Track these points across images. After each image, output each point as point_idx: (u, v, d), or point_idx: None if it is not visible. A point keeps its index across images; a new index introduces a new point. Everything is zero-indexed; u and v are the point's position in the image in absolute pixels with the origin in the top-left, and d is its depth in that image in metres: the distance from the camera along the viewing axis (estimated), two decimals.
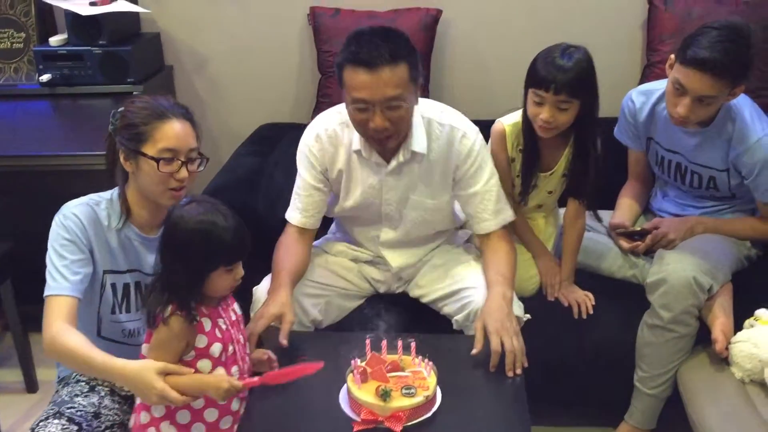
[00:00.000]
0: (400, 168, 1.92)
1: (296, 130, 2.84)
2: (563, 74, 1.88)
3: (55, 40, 2.71)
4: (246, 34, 2.91)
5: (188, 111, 1.70)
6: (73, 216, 1.66)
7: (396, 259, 2.08)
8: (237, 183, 2.37)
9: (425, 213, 2.00)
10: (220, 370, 1.56)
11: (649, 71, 2.68)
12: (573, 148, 2.05)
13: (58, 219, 1.67)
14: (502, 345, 1.66)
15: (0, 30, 2.79)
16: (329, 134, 1.93)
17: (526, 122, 2.01)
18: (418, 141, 1.88)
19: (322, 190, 1.96)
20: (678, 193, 2.27)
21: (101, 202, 1.72)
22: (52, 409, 1.65)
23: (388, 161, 1.90)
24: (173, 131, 1.64)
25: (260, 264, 1.86)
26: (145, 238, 1.74)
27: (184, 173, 1.66)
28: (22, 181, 2.51)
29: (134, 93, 2.67)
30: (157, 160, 1.62)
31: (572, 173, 2.08)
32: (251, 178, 2.46)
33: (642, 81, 2.67)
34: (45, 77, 2.66)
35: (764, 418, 1.70)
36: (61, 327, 1.55)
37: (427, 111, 1.92)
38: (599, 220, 2.30)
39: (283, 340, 1.68)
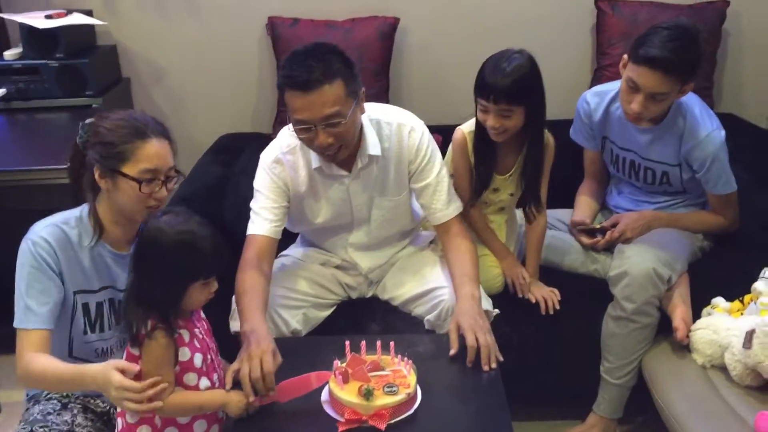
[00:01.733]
0: (360, 173, 1.96)
1: (258, 139, 2.87)
2: (501, 82, 1.91)
3: (9, 54, 2.67)
4: (204, 45, 2.91)
5: (165, 128, 1.67)
6: (42, 241, 1.61)
7: (366, 261, 2.12)
8: (203, 192, 2.36)
9: (387, 212, 2.05)
10: (205, 381, 1.56)
11: (600, 74, 2.78)
12: (526, 150, 2.10)
13: (26, 246, 1.61)
14: (477, 341, 1.70)
15: None
16: (288, 159, 1.95)
17: (479, 127, 2.06)
18: (372, 144, 1.93)
19: (286, 206, 1.97)
20: (632, 189, 2.35)
21: (70, 220, 1.67)
22: (24, 428, 1.62)
23: (349, 170, 1.94)
24: (154, 151, 1.61)
25: (232, 273, 1.87)
26: (118, 254, 1.70)
27: (163, 193, 1.63)
28: None
29: (93, 106, 2.66)
30: (139, 182, 1.59)
31: (524, 172, 2.12)
32: (217, 187, 2.46)
33: (593, 83, 2.76)
34: (0, 92, 2.62)
35: (727, 400, 1.77)
36: (32, 356, 1.55)
37: (373, 113, 1.96)
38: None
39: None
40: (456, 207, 2.03)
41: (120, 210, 1.66)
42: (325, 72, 1.73)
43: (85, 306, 1.68)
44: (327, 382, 1.58)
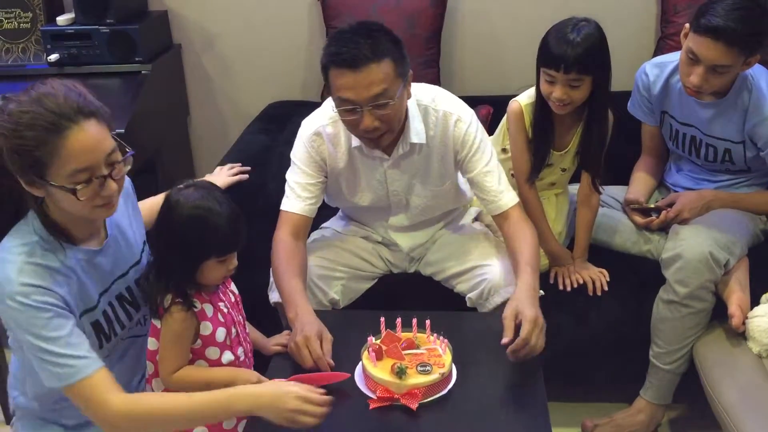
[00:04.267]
0: (399, 160, 1.88)
1: (306, 107, 2.81)
2: (572, 51, 1.85)
3: (62, 20, 2.69)
4: (254, 11, 2.89)
5: (88, 99, 1.32)
6: (29, 289, 1.31)
7: (406, 240, 2.08)
8: (247, 161, 2.35)
9: (429, 200, 1.98)
10: (228, 355, 1.55)
11: (663, 43, 2.64)
12: (585, 122, 2.03)
13: (10, 305, 1.31)
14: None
15: (7, 10, 2.76)
16: (328, 132, 1.88)
17: (540, 100, 1.99)
18: (417, 132, 1.84)
19: (323, 182, 1.91)
20: (692, 167, 2.24)
21: (34, 249, 1.36)
22: None
23: (389, 154, 1.87)
24: (79, 144, 1.27)
25: (268, 243, 1.85)
26: (97, 251, 1.47)
27: (110, 188, 1.34)
28: None
29: (142, 72, 2.66)
30: (73, 190, 1.29)
31: (584, 148, 2.05)
32: (261, 156, 2.44)
33: (656, 54, 2.64)
34: (53, 57, 2.64)
35: None
36: (125, 398, 1.37)
37: (422, 99, 1.87)
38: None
39: (331, 360, 1.58)
40: (511, 197, 1.89)
41: (71, 214, 1.38)
42: (374, 49, 1.64)
43: (95, 324, 1.48)
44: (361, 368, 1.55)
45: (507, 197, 1.88)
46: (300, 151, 1.90)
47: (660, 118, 2.23)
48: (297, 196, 1.87)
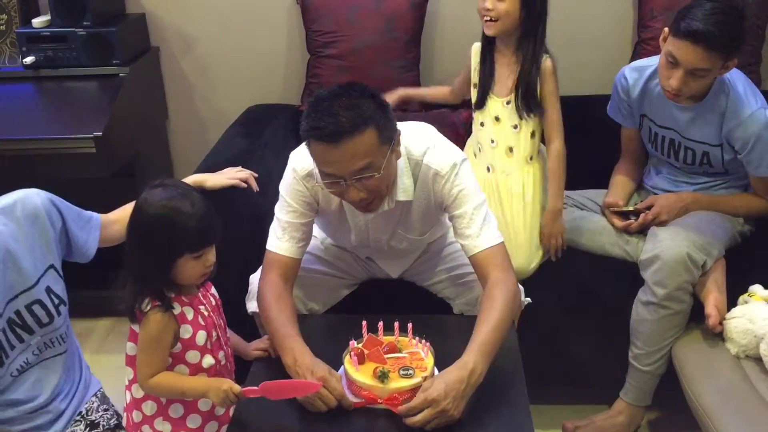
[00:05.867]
0: (384, 214, 1.78)
1: (286, 111, 2.84)
2: None
3: (38, 22, 2.65)
4: (233, 14, 2.87)
5: None
6: None
7: (394, 269, 2.05)
8: (226, 165, 2.33)
9: (412, 244, 1.95)
10: (208, 359, 1.54)
11: (640, 48, 2.66)
12: (521, 64, 2.14)
13: None
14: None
15: None
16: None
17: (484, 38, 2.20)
18: (404, 189, 1.74)
19: (312, 218, 1.83)
20: (671, 169, 2.26)
21: None
22: None
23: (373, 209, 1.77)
24: None
25: (255, 250, 1.84)
26: None
27: None
28: (5, 165, 2.46)
29: (120, 75, 2.63)
30: None
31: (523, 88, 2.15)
32: (241, 159, 2.42)
33: (633, 58, 2.65)
34: (29, 60, 2.61)
35: (760, 393, 1.70)
36: None
37: (414, 152, 1.74)
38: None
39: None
40: (487, 240, 1.72)
41: None
42: (355, 121, 1.53)
43: None
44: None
45: (481, 239, 1.72)
46: (292, 189, 1.78)
47: (639, 121, 2.25)
48: (289, 237, 1.77)
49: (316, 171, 1.67)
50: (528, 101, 2.14)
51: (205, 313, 1.55)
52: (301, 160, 1.76)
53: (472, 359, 1.51)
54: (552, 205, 2.15)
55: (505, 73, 2.17)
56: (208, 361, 1.54)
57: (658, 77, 2.04)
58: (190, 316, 1.52)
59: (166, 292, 1.48)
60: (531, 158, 2.19)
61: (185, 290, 1.52)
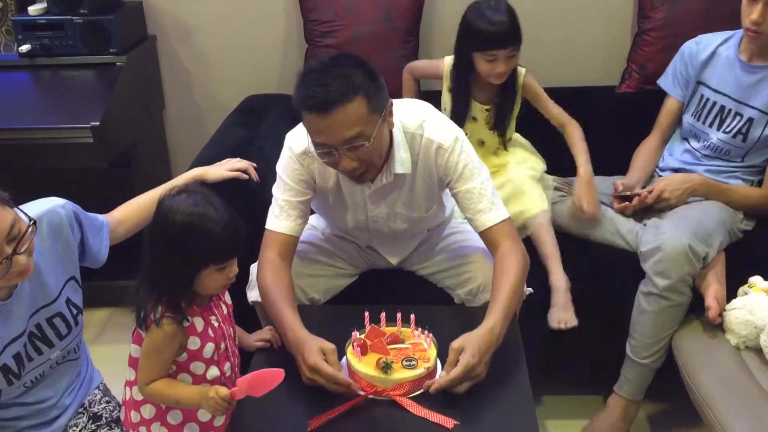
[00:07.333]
0: (382, 190, 1.80)
1: (284, 101, 2.81)
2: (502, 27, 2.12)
3: (34, 9, 2.62)
4: (231, 3, 2.84)
5: None
6: None
7: (393, 256, 2.05)
8: (225, 155, 2.32)
9: (412, 224, 1.93)
10: (213, 371, 1.51)
11: (640, 39, 2.65)
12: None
13: None
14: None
15: None
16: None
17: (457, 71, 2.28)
18: (402, 161, 1.75)
19: (310, 197, 1.84)
20: (687, 156, 2.27)
21: None
22: None
23: (372, 182, 1.79)
24: None
25: (255, 240, 1.82)
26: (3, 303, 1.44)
27: (18, 264, 1.33)
28: (2, 155, 2.44)
29: (117, 63, 2.61)
30: None
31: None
32: (240, 149, 2.41)
33: (633, 49, 2.65)
34: (24, 48, 2.58)
35: (761, 383, 1.71)
36: None
37: (409, 125, 1.76)
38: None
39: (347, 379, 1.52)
40: (498, 215, 1.77)
41: None
42: (344, 89, 1.55)
43: (2, 368, 1.46)
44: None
45: (491, 214, 1.77)
46: (288, 167, 1.80)
47: (692, 89, 2.26)
48: (287, 215, 1.79)
49: (311, 145, 1.68)
50: (503, 122, 2.29)
51: (216, 324, 1.51)
52: (296, 139, 1.79)
53: (498, 323, 1.59)
54: (583, 171, 2.22)
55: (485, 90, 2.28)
56: (213, 372, 1.51)
57: (742, 18, 2.07)
58: (200, 327, 1.48)
59: (182, 303, 1.44)
60: (497, 151, 2.33)
61: (198, 299, 1.48)
